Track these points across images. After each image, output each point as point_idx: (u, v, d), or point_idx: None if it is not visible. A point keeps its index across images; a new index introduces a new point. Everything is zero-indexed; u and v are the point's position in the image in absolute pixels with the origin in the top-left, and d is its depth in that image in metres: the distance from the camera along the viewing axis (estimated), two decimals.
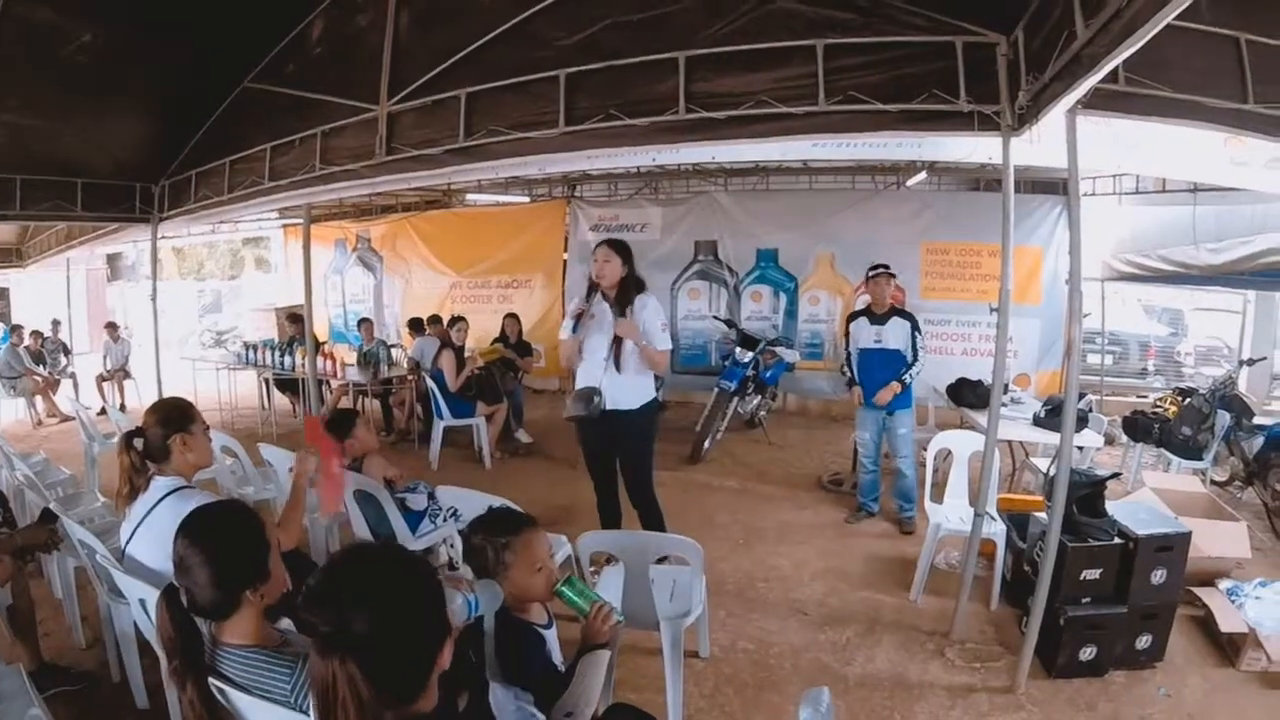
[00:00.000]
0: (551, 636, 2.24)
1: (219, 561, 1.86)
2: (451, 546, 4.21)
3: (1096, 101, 2.90)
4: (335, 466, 3.55)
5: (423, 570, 1.47)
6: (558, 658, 2.22)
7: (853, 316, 5.77)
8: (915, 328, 5.42)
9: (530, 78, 4.27)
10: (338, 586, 1.39)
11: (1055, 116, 2.98)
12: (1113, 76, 2.85)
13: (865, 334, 5.52)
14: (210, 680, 1.80)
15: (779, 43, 3.60)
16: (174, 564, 1.90)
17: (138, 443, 2.71)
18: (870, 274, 5.57)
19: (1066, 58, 2.63)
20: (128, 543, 2.63)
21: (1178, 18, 2.78)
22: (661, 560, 3.48)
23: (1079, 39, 2.49)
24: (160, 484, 2.64)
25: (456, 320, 7.74)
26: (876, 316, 5.49)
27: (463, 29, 4.59)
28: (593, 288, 4.10)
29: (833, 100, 3.48)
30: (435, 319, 8.53)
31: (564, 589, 2.11)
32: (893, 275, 5.59)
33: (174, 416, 2.77)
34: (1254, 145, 3.49)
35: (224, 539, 1.91)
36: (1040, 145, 3.27)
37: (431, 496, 4.16)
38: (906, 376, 5.31)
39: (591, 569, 3.44)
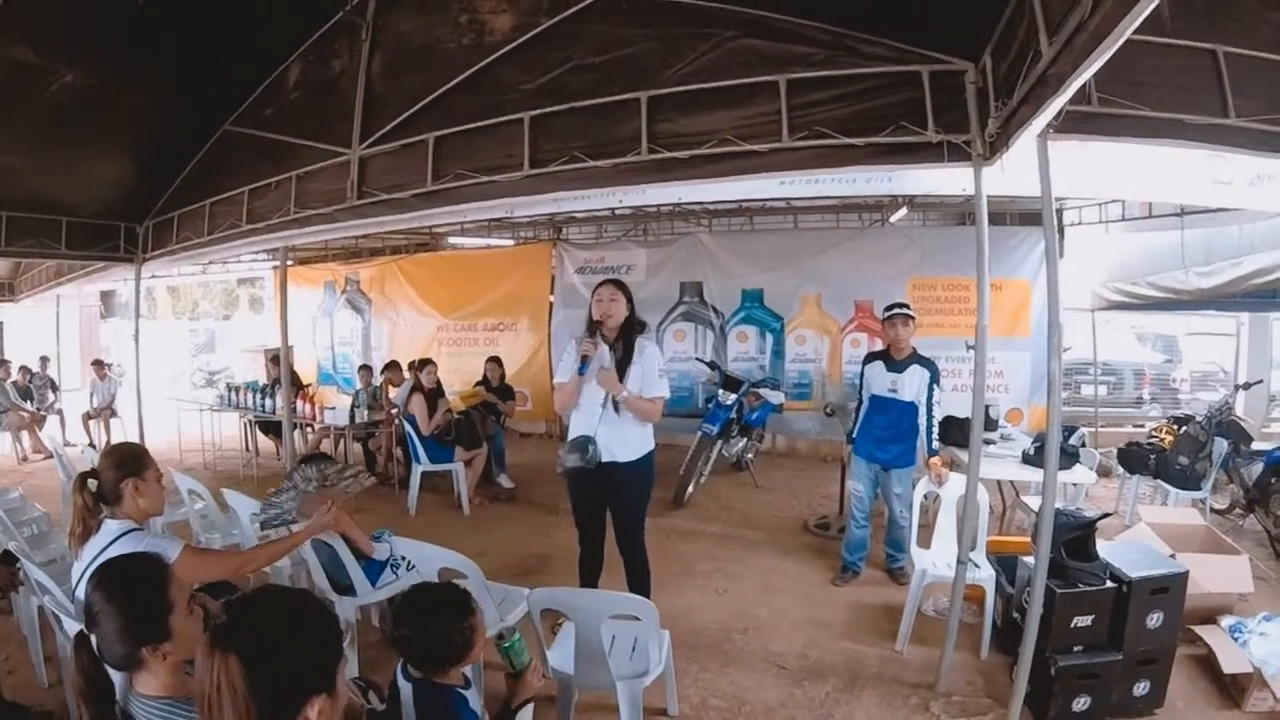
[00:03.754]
0: (473, 696, 2.18)
1: (119, 616, 1.83)
2: None
3: (1069, 124, 2.82)
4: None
5: (326, 621, 1.50)
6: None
7: (869, 359, 5.26)
8: (934, 379, 4.93)
9: (495, 121, 4.24)
10: (251, 598, 1.52)
11: (1027, 143, 2.89)
12: (1085, 97, 2.79)
13: (880, 380, 5.05)
14: None
15: (741, 80, 3.55)
16: (84, 611, 1.90)
17: (91, 484, 2.73)
18: (885, 315, 5.10)
19: (1033, 79, 2.55)
20: (77, 584, 2.61)
21: (1151, 32, 2.73)
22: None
23: (1044, 58, 2.41)
24: (111, 527, 2.64)
25: (425, 363, 7.63)
26: (894, 362, 5.01)
27: (431, 74, 4.58)
28: (593, 328, 3.85)
29: (797, 136, 3.40)
30: (425, 362, 8.39)
31: (510, 647, 2.22)
32: (912, 318, 5.05)
33: (128, 462, 2.77)
34: (1236, 162, 3.41)
35: (124, 594, 1.87)
36: (1014, 174, 3.18)
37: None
38: (935, 444, 4.90)
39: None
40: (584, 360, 3.79)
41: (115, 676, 1.88)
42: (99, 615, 1.83)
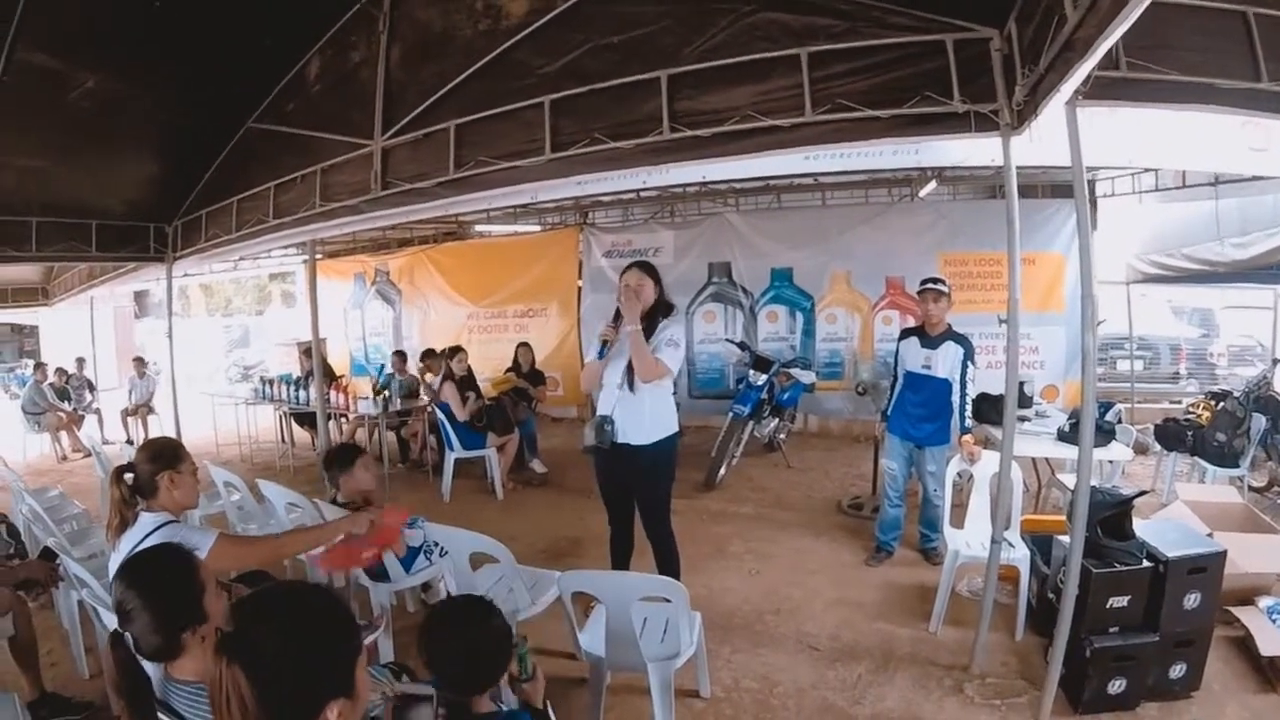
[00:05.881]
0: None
1: (155, 607, 1.88)
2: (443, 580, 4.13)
3: (1097, 90, 2.75)
4: (365, 553, 3.44)
5: (338, 620, 1.43)
6: None
7: (904, 334, 5.23)
8: (969, 356, 4.81)
9: (515, 106, 4.23)
10: (257, 601, 1.45)
11: (1055, 110, 2.82)
12: (1113, 62, 2.72)
13: (914, 357, 4.99)
14: (161, 716, 1.82)
15: (761, 54, 3.49)
16: (115, 609, 1.93)
17: (128, 477, 2.75)
18: (918, 290, 5.05)
19: (1059, 44, 2.48)
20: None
21: None
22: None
23: (1070, 22, 2.35)
24: (147, 520, 2.67)
25: (455, 351, 7.69)
26: (928, 338, 4.95)
27: (450, 62, 4.59)
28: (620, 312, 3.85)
29: (820, 110, 3.34)
30: (455, 350, 8.44)
31: (524, 653, 2.16)
32: (944, 293, 4.93)
33: (164, 455, 2.81)
34: (1272, 128, 3.31)
35: (158, 585, 1.92)
36: (1043, 144, 3.11)
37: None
38: (969, 421, 4.80)
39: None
40: (604, 345, 3.82)
41: (150, 670, 1.91)
42: (133, 611, 1.87)
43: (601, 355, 3.84)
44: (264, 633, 1.32)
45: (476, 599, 2.16)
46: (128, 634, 1.89)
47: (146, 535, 2.60)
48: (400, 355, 9.51)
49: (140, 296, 19.67)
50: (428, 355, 8.96)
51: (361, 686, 1.41)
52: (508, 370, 8.56)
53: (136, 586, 1.90)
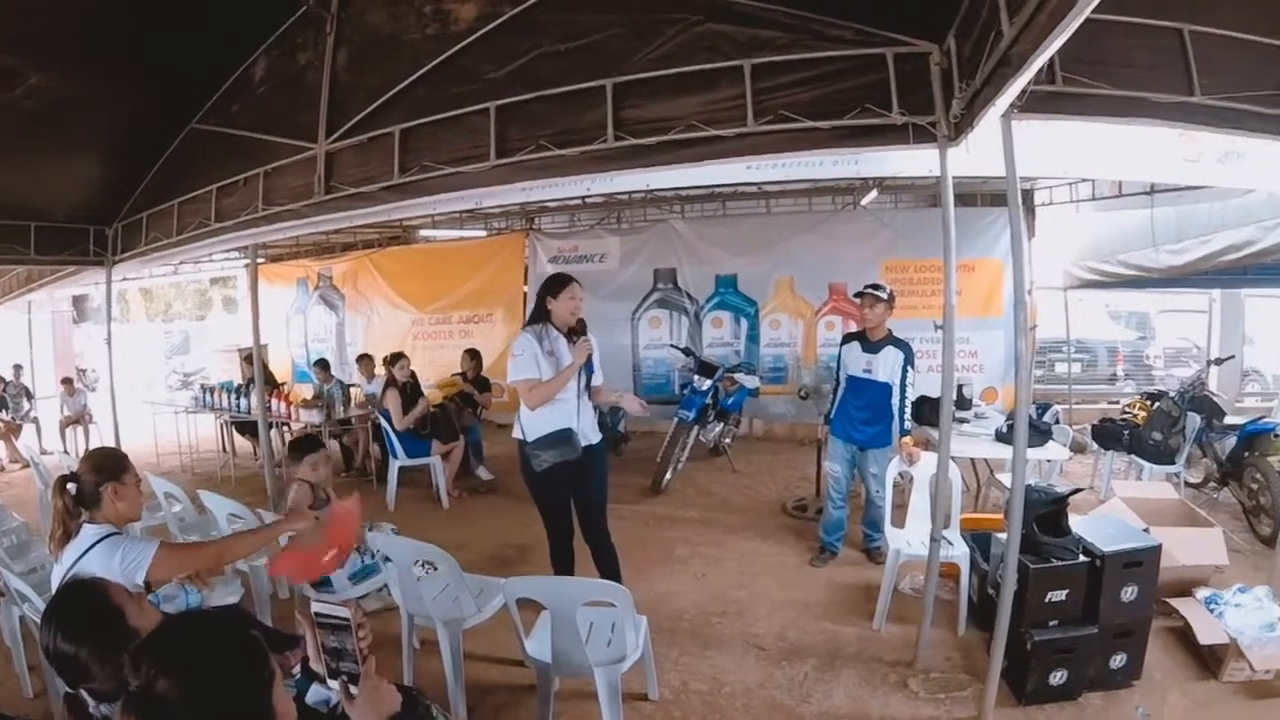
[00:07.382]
0: None
1: (96, 648, 1.81)
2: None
3: (1033, 104, 2.82)
4: (324, 557, 3.23)
5: (249, 653, 1.37)
6: None
7: (846, 340, 5.32)
8: (909, 360, 4.92)
9: (461, 111, 4.19)
10: (158, 647, 1.34)
11: (991, 123, 2.90)
12: (1049, 77, 2.79)
13: (856, 361, 5.08)
14: None
15: (706, 65, 3.53)
16: (58, 672, 1.87)
17: (71, 487, 2.72)
18: (857, 294, 5.13)
19: (995, 59, 2.55)
20: (59, 589, 2.57)
21: (1116, 11, 2.75)
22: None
23: (1006, 38, 2.42)
24: (90, 531, 2.62)
25: (397, 357, 7.59)
26: (870, 343, 5.02)
27: (397, 66, 4.52)
28: (549, 324, 3.91)
29: (763, 120, 3.39)
30: (398, 356, 8.32)
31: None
32: (881, 299, 4.94)
33: (107, 465, 2.76)
34: (1204, 140, 3.44)
35: (85, 627, 1.87)
36: (981, 155, 3.19)
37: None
38: (908, 423, 4.89)
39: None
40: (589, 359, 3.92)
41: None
42: (81, 660, 1.82)
43: (591, 370, 3.96)
44: (169, 686, 1.26)
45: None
46: (81, 692, 1.83)
47: (89, 547, 2.55)
48: (321, 364, 9.32)
49: (79, 301, 19.07)
50: (362, 360, 8.95)
51: (282, 709, 1.37)
52: (454, 375, 8.47)
53: (70, 639, 1.84)
